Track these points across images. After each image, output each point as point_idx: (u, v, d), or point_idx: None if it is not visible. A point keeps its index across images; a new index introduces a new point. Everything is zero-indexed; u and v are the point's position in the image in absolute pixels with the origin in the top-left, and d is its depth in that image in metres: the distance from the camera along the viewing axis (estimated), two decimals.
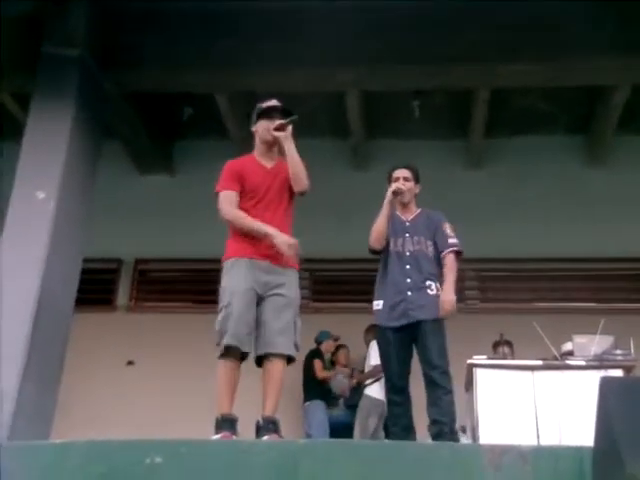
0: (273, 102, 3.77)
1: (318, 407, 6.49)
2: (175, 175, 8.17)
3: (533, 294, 7.50)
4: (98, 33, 5.97)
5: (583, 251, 7.37)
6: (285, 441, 3.28)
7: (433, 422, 3.78)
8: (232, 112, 7.34)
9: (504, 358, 5.44)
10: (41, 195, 5.32)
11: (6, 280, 5.02)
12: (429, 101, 7.33)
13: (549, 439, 4.42)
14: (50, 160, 5.50)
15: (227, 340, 3.32)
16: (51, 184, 5.39)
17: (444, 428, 3.73)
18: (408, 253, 4.07)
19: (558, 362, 4.79)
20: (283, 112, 3.70)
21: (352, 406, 6.48)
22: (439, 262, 4.09)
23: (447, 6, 5.79)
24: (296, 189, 3.61)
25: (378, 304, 4.06)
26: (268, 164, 3.71)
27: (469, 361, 4.89)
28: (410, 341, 3.97)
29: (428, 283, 4.01)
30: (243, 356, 3.42)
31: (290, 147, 3.61)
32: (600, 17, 5.70)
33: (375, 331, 4.29)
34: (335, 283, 7.96)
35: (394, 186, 4.13)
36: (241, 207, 3.57)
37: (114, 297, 7.82)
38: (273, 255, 3.46)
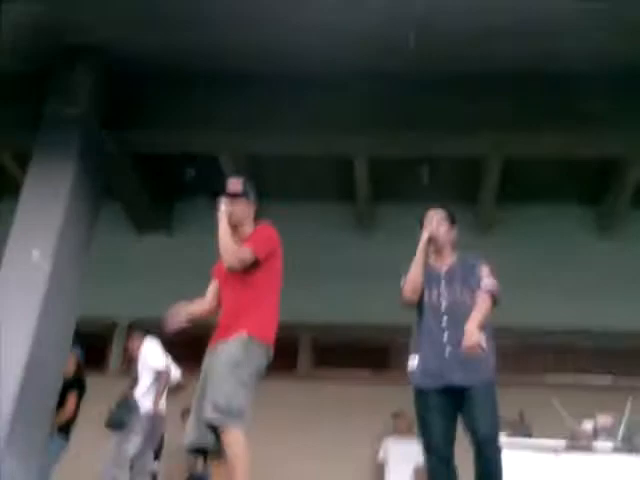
0: (228, 185, 3.75)
1: None
2: (173, 235, 8.01)
3: (545, 368, 7.19)
4: (101, 92, 5.90)
5: (594, 323, 7.10)
6: None
7: None
8: (236, 174, 7.19)
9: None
10: (36, 254, 5.12)
11: None
12: (438, 167, 7.20)
13: None
14: (47, 220, 5.35)
15: None
16: (47, 245, 5.20)
17: None
18: (444, 304, 3.64)
19: (584, 444, 4.44)
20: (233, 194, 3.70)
21: None
22: None
23: (461, 75, 5.71)
24: (225, 266, 3.56)
25: (413, 364, 3.60)
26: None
27: None
28: (454, 406, 3.48)
29: None
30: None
31: (220, 226, 3.59)
32: (619, 90, 5.61)
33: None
34: (337, 351, 7.65)
35: (429, 230, 3.72)
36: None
37: (106, 360, 7.56)
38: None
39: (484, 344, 3.36)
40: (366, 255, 7.55)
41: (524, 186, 7.49)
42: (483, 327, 3.45)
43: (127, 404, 5.45)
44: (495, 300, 3.61)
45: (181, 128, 6.02)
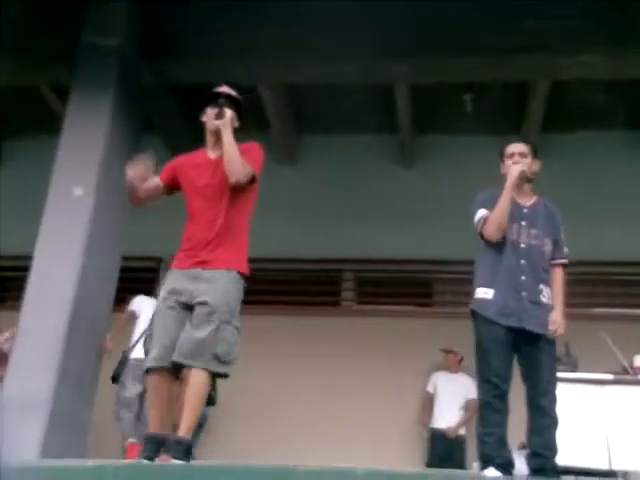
0: (222, 88, 3.52)
1: None
2: None
3: (595, 300, 7.06)
4: (138, 22, 5.78)
5: None
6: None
7: (534, 454, 3.34)
8: (274, 105, 7.08)
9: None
10: (79, 191, 5.13)
11: (42, 279, 4.84)
12: (481, 95, 6.95)
13: (622, 462, 4.04)
14: (88, 155, 5.32)
15: None
16: (89, 180, 5.22)
17: (547, 464, 3.30)
18: (524, 245, 3.51)
19: (631, 376, 4.39)
20: (231, 99, 3.46)
21: None
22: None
23: None
24: (230, 180, 3.27)
25: (487, 292, 3.50)
26: (213, 155, 3.44)
27: None
28: (515, 346, 3.46)
29: (541, 287, 3.48)
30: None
31: (226, 135, 3.32)
32: None
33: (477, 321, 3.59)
34: (380, 285, 7.61)
35: (518, 167, 3.53)
36: (188, 203, 3.40)
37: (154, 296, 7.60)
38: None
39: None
40: (409, 188, 7.43)
41: (571, 113, 7.21)
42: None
43: (122, 357, 5.62)
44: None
45: (218, 57, 5.86)
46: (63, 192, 5.13)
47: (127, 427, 5.39)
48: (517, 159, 3.60)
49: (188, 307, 3.18)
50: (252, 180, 3.34)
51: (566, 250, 3.60)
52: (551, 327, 3.41)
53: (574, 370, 4.98)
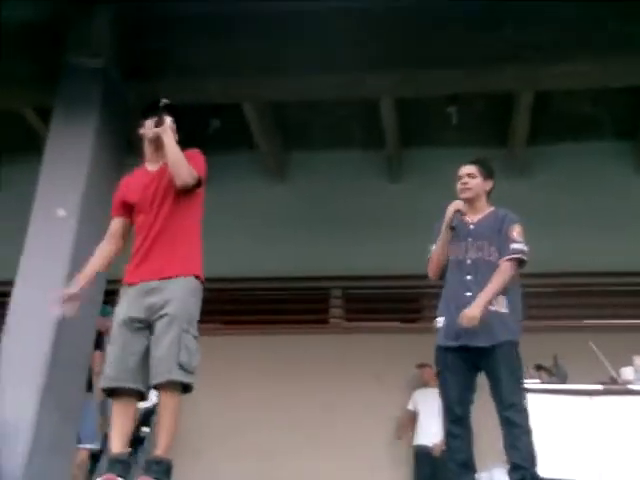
0: (162, 101, 3.49)
1: None
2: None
3: (582, 311, 7.05)
4: (121, 43, 5.75)
5: (633, 264, 6.91)
6: None
7: (514, 467, 3.29)
8: (260, 123, 7.08)
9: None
10: (62, 213, 5.08)
11: (25, 302, 4.79)
12: (467, 107, 6.97)
13: (611, 474, 4.00)
14: (72, 177, 5.26)
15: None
16: (73, 201, 5.16)
17: (526, 475, 3.25)
18: (469, 261, 3.53)
19: (620, 386, 4.36)
20: (168, 108, 3.45)
21: None
22: None
23: (484, 3, 5.44)
24: (177, 183, 3.24)
25: (439, 321, 3.55)
26: (153, 168, 3.41)
27: None
28: (473, 365, 3.44)
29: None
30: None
31: (167, 139, 3.31)
32: None
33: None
34: (369, 302, 7.58)
35: (452, 206, 3.58)
36: (136, 222, 3.35)
37: None
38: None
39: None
40: (396, 202, 7.42)
41: (557, 124, 7.23)
42: (501, 292, 3.40)
43: None
44: (522, 263, 3.50)
45: (201, 76, 5.85)
46: (46, 214, 5.08)
47: None
48: (465, 180, 3.65)
49: (148, 324, 3.14)
50: (198, 184, 3.34)
51: (519, 246, 3.50)
52: (464, 320, 3.33)
53: (563, 382, 4.95)
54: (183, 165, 3.25)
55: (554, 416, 4.33)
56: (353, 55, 5.62)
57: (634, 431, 4.15)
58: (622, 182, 7.24)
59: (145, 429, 5.64)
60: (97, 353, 5.44)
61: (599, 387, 4.37)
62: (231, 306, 7.02)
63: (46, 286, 4.80)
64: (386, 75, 5.79)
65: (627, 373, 4.45)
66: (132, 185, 3.44)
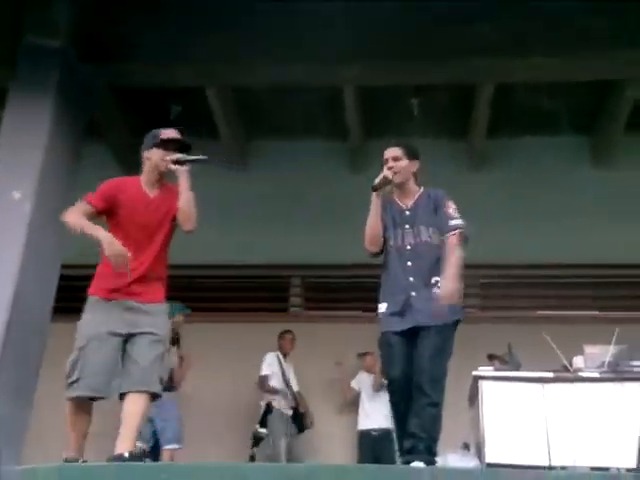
0: (173, 133, 3.66)
1: None
2: None
3: (536, 302, 7.18)
4: (81, 23, 5.63)
5: (589, 257, 7.06)
6: None
7: (409, 435, 3.28)
8: (223, 111, 7.04)
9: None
10: (17, 195, 4.99)
11: None
12: (429, 100, 7.03)
13: (561, 458, 4.09)
14: (27, 158, 5.16)
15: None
16: (28, 184, 5.06)
17: (419, 445, 3.24)
18: (409, 247, 3.54)
19: (571, 374, 4.45)
20: (182, 145, 3.62)
21: None
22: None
23: None
24: (184, 228, 3.52)
25: (381, 308, 3.56)
26: (151, 193, 3.58)
27: (474, 373, 4.56)
28: (413, 343, 3.45)
29: (435, 280, 3.46)
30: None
31: (186, 185, 3.52)
32: (618, 9, 5.37)
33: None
34: (329, 291, 7.61)
35: (378, 179, 3.57)
36: (118, 233, 3.43)
37: None
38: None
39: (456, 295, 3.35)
40: (358, 193, 7.37)
41: (517, 118, 7.32)
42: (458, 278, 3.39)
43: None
44: (464, 238, 3.53)
45: (165, 59, 5.77)
46: (0, 197, 4.99)
47: None
48: (391, 164, 3.63)
49: (124, 338, 3.36)
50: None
51: (458, 222, 3.53)
52: (442, 297, 3.34)
53: (517, 370, 5.05)
54: (195, 215, 3.50)
55: (507, 403, 4.41)
56: (320, 43, 5.61)
57: (584, 417, 4.24)
58: (579, 176, 7.37)
59: (262, 430, 6.11)
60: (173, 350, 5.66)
61: (550, 375, 4.45)
62: (190, 293, 6.97)
63: (2, 265, 4.74)
64: (353, 64, 5.76)
65: (578, 362, 4.54)
66: (131, 197, 3.52)
